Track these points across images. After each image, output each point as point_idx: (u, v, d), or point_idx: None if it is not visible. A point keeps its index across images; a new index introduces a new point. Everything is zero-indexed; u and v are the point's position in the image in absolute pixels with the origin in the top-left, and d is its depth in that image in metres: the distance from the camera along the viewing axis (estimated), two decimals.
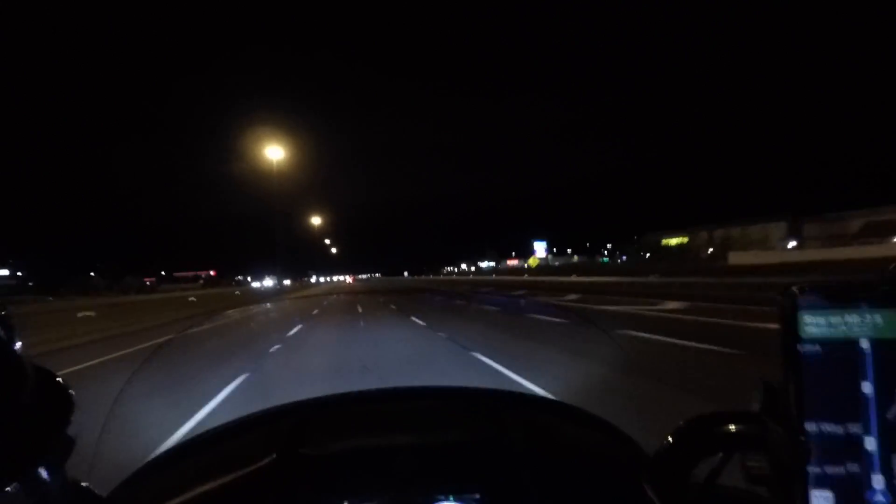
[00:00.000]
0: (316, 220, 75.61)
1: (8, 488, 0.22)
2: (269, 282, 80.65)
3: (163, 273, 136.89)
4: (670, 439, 0.43)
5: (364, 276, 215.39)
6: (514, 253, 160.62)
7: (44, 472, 0.24)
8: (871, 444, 0.34)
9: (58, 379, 0.28)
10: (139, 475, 0.64)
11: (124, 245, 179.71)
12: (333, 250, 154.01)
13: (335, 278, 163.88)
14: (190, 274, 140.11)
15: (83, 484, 0.36)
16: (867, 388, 0.34)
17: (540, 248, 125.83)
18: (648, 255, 69.55)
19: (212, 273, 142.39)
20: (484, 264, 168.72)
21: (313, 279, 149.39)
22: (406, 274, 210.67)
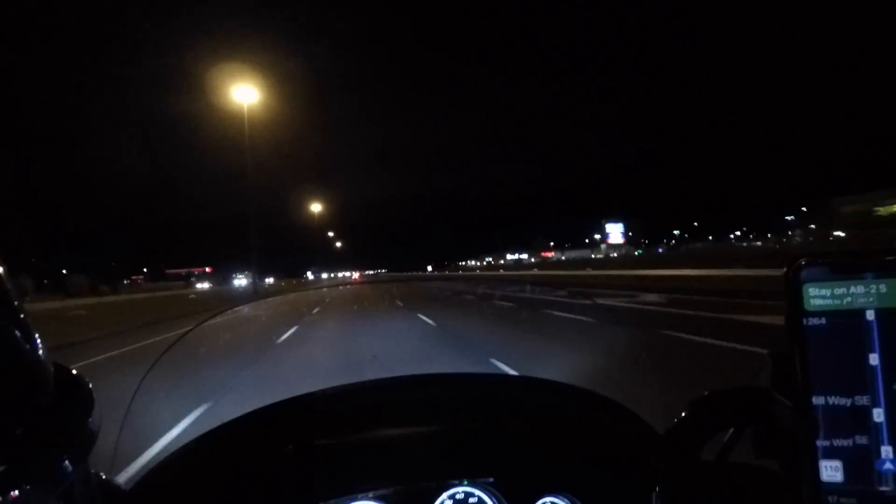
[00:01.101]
0: (316, 208, 65.95)
1: (33, 482, 0.22)
2: (242, 281, 63.26)
3: (164, 268, 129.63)
4: (681, 417, 0.43)
5: (371, 273, 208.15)
6: (552, 243, 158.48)
7: (68, 466, 0.25)
8: (879, 415, 0.34)
9: (76, 375, 0.29)
10: (159, 468, 0.65)
11: (113, 241, 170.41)
12: (338, 244, 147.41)
13: (340, 275, 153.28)
14: (183, 271, 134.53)
15: (103, 476, 0.37)
16: (874, 359, 0.34)
17: (615, 232, 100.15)
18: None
19: (207, 270, 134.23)
20: (513, 256, 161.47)
21: (310, 276, 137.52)
22: (430, 269, 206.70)
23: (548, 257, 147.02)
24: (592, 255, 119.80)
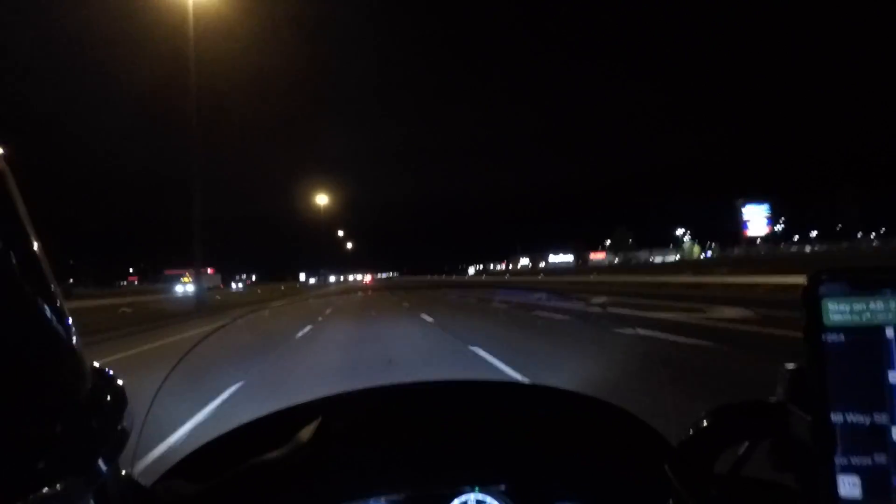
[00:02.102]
0: (322, 200, 60.58)
1: (72, 479, 0.23)
2: (184, 288, 44.55)
3: (163, 268, 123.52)
4: (695, 428, 0.43)
5: (384, 276, 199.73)
6: (603, 244, 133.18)
7: (102, 465, 0.25)
8: None
9: (110, 373, 0.29)
10: (179, 467, 0.67)
11: (110, 239, 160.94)
12: (349, 245, 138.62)
13: (351, 278, 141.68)
14: (182, 271, 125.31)
15: (123, 472, 0.37)
16: (893, 377, 0.33)
17: (757, 218, 73.89)
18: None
19: (209, 271, 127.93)
20: (555, 258, 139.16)
21: (306, 278, 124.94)
22: (473, 272, 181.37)
23: (597, 260, 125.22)
24: (676, 257, 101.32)
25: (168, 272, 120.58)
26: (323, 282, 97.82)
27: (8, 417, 0.22)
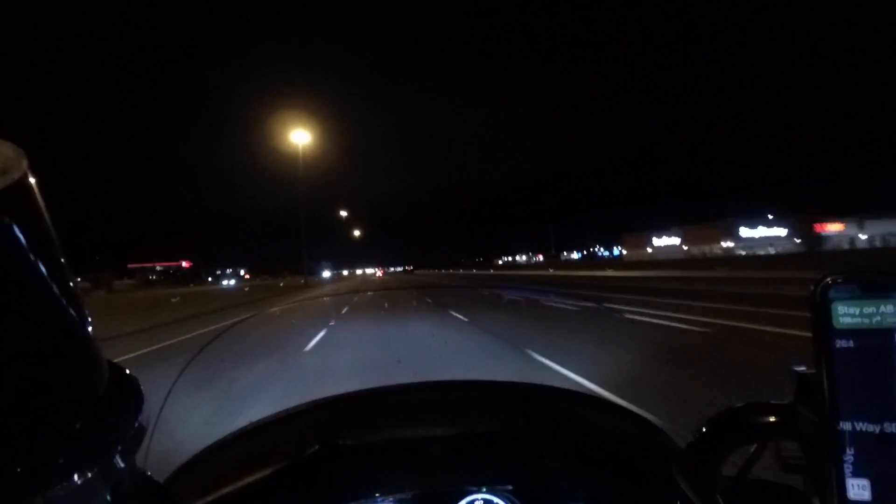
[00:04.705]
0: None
1: (90, 474, 0.23)
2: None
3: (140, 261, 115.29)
4: (703, 430, 0.43)
5: (399, 269, 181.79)
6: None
7: (119, 461, 0.25)
8: None
9: (126, 370, 0.30)
10: (191, 463, 0.67)
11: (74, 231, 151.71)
12: (356, 232, 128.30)
13: (359, 272, 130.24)
14: (150, 265, 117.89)
15: (141, 469, 0.38)
16: None
17: None
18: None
19: (184, 265, 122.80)
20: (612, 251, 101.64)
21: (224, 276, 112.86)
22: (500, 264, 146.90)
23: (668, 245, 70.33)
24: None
25: (131, 266, 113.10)
26: (315, 278, 68.35)
27: (28, 413, 0.23)
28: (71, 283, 0.25)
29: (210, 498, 0.64)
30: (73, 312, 0.25)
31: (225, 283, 79.62)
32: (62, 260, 0.24)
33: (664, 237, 75.43)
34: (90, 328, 0.26)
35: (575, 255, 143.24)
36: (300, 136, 41.39)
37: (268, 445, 0.74)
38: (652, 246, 78.14)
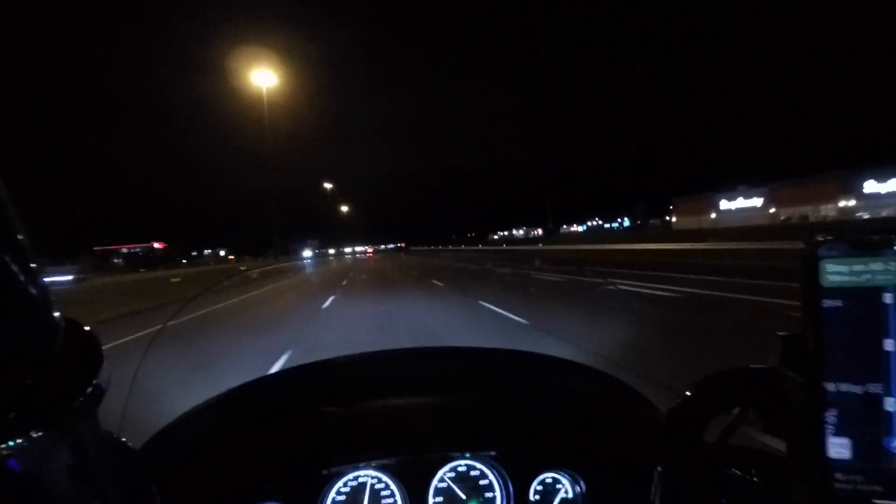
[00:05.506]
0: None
1: (42, 433, 0.23)
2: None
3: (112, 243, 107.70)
4: (685, 396, 0.44)
5: (390, 247, 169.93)
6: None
7: (76, 417, 0.25)
8: (891, 404, 0.33)
9: (87, 331, 0.29)
10: (169, 429, 0.66)
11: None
12: (344, 208, 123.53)
13: (347, 250, 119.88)
14: (117, 247, 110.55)
15: (114, 435, 0.37)
16: (889, 345, 0.33)
17: None
18: None
19: (157, 246, 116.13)
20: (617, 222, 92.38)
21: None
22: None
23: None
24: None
25: (97, 249, 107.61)
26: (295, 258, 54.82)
27: None
28: (20, 236, 0.24)
29: (189, 464, 0.63)
30: (17, 266, 0.24)
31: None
32: (14, 222, 0.24)
33: (739, 199, 59.37)
34: (43, 286, 0.25)
35: (577, 228, 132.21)
36: (265, 80, 37.16)
37: (250, 412, 0.73)
38: (718, 210, 61.48)
